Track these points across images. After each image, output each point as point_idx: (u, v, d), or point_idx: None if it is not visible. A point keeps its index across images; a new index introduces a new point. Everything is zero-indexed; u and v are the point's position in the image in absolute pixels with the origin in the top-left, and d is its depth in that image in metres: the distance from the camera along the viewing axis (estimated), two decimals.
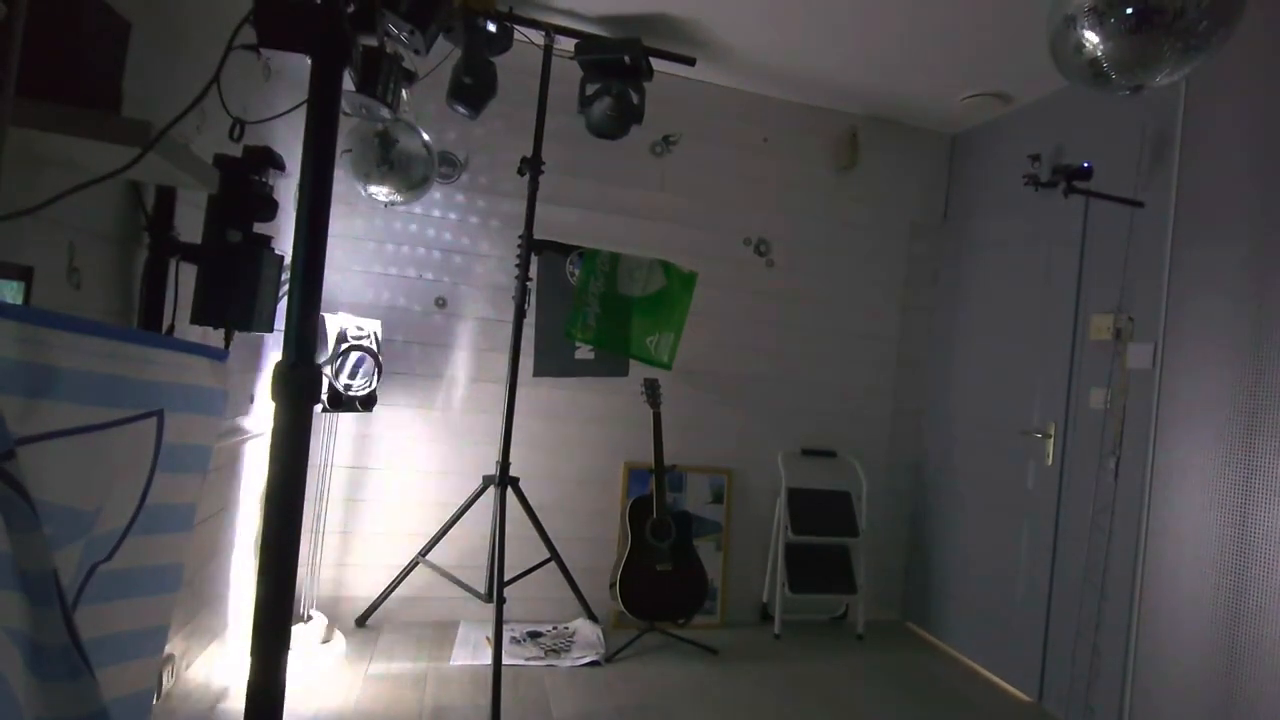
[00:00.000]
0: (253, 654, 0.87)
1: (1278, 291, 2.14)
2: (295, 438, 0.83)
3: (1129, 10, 1.63)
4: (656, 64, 2.88)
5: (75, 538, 0.88)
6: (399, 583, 2.96)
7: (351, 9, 0.99)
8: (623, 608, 3.03)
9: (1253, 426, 2.16)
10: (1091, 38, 1.70)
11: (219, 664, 2.31)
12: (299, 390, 0.84)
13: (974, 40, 2.81)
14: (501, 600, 2.54)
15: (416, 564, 2.94)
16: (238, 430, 2.29)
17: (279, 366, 0.86)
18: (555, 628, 3.17)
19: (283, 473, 0.82)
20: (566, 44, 2.85)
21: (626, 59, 2.76)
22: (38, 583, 0.80)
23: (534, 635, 3.07)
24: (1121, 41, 1.67)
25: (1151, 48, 1.66)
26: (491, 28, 2.64)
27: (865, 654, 3.28)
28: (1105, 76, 1.75)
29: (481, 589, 2.84)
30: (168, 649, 1.87)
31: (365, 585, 3.04)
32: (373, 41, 1.35)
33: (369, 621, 3.01)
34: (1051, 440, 2.94)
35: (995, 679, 3.11)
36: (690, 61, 3.03)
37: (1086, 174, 2.68)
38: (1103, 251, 2.81)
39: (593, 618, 3.17)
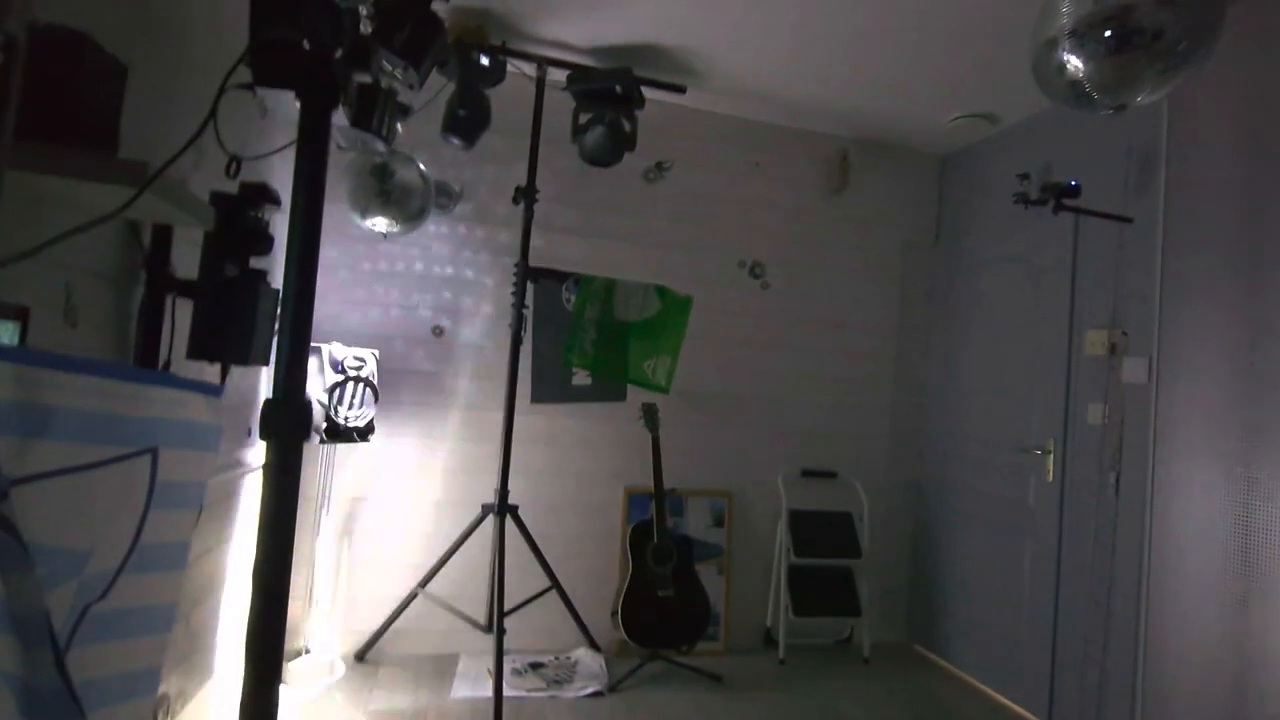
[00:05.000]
0: (244, 690, 0.86)
1: (1270, 301, 2.15)
2: (286, 475, 0.83)
3: (1108, 33, 1.66)
4: (647, 92, 2.93)
5: (68, 578, 0.87)
6: (398, 615, 2.93)
7: (339, 54, 1.01)
8: (625, 636, 3.00)
9: (1251, 438, 2.16)
10: (1073, 60, 1.73)
11: (214, 703, 2.28)
12: (289, 427, 0.84)
13: (959, 63, 2.86)
14: (502, 631, 2.52)
15: (416, 595, 2.91)
16: (235, 464, 2.29)
17: (268, 403, 0.86)
18: (557, 658, 3.13)
19: (274, 509, 0.82)
20: (559, 75, 2.90)
21: (618, 88, 2.81)
22: (31, 625, 0.79)
23: (535, 666, 3.03)
24: (1102, 63, 1.70)
25: (1132, 68, 1.69)
26: (484, 61, 2.69)
27: (872, 677, 3.24)
28: (1088, 97, 1.78)
29: (482, 619, 2.81)
30: (162, 688, 1.84)
31: (364, 618, 3.01)
32: (367, 78, 1.37)
33: (368, 655, 2.97)
34: (1051, 456, 2.94)
35: (1004, 700, 3.07)
36: (681, 89, 3.08)
37: (1075, 191, 2.71)
38: (1094, 267, 2.83)
39: (595, 647, 3.14)
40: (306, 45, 0.91)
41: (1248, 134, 2.26)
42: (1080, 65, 1.72)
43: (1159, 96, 1.75)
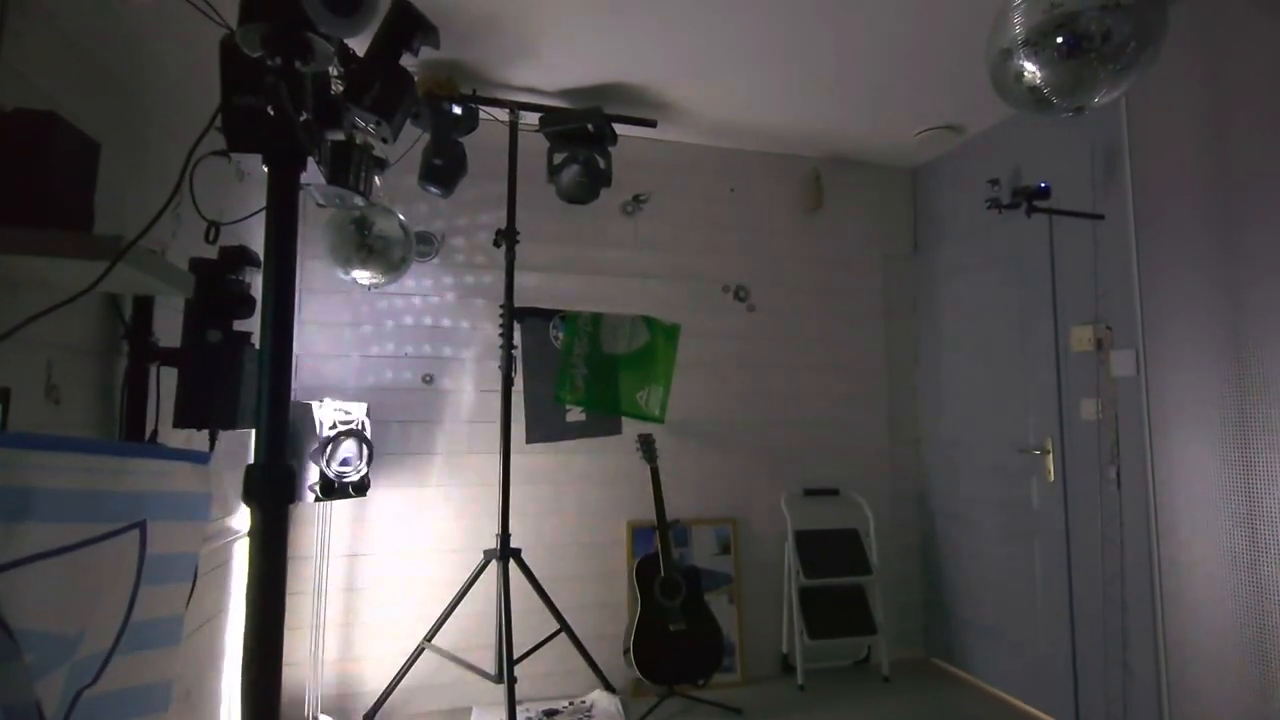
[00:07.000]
0: None
1: (1247, 283, 2.18)
2: (273, 541, 0.82)
3: (1060, 39, 1.71)
4: (619, 128, 2.98)
5: (58, 664, 0.85)
6: (406, 672, 2.86)
7: (306, 115, 1.02)
8: (639, 674, 2.94)
9: (1243, 420, 2.16)
10: (1029, 67, 1.78)
11: None
12: (272, 492, 0.83)
13: (921, 78, 2.93)
14: (513, 680, 2.46)
15: (423, 650, 2.85)
16: (228, 530, 2.25)
17: (250, 469, 0.85)
18: (572, 703, 3.05)
19: (262, 576, 0.80)
20: (531, 118, 2.94)
21: (590, 127, 2.85)
22: (20, 716, 0.77)
23: (550, 714, 2.96)
24: (1057, 68, 1.75)
25: (1086, 71, 1.74)
26: (456, 110, 2.73)
27: (894, 696, 3.18)
28: (1047, 102, 1.82)
29: (492, 669, 2.75)
30: None
31: (371, 678, 2.94)
32: (340, 136, 1.39)
33: (378, 716, 2.89)
34: (1050, 456, 2.93)
35: (1029, 708, 3.01)
36: (651, 124, 3.13)
37: (1045, 193, 2.76)
38: (1072, 265, 2.86)
39: (610, 688, 3.06)
40: (270, 110, 0.93)
41: (1204, 120, 2.31)
42: (1037, 72, 1.77)
43: (1116, 96, 1.80)
